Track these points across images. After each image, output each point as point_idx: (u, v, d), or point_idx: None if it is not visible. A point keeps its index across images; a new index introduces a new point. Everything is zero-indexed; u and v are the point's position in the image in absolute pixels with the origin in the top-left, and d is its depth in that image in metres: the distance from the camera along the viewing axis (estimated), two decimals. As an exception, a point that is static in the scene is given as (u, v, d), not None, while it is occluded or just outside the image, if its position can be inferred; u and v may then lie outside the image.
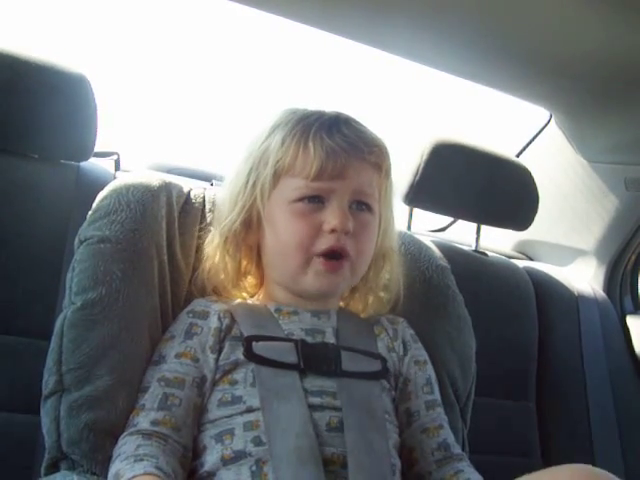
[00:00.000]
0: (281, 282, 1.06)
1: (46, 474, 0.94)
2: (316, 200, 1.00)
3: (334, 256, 0.99)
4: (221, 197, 1.10)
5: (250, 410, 0.92)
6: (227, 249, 1.06)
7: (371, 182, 1.04)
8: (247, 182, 1.03)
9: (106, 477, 0.87)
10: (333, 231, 0.98)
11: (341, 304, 1.13)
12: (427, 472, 0.99)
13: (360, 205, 1.03)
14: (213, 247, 1.07)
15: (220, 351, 0.97)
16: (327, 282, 1.01)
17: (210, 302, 1.04)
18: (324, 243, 0.99)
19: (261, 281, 1.11)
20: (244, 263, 1.09)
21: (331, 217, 0.99)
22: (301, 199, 1.00)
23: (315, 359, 0.97)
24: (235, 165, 1.07)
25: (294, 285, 1.03)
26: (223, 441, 0.90)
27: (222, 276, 1.07)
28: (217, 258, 1.06)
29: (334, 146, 0.99)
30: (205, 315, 1.01)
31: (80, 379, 0.93)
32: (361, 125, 1.05)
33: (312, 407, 0.92)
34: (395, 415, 1.03)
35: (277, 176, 1.01)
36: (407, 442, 1.02)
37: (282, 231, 1.01)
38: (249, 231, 1.05)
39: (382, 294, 1.13)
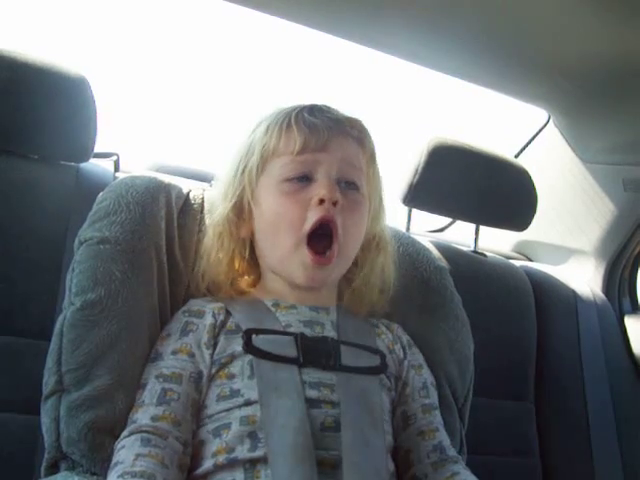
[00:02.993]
0: (273, 269, 1.06)
1: (46, 474, 0.94)
2: (304, 180, 1.01)
3: (324, 233, 0.99)
4: (214, 196, 1.11)
5: (248, 403, 0.91)
6: (221, 242, 1.06)
7: (357, 156, 1.06)
8: (236, 173, 1.05)
9: (106, 477, 0.87)
10: (322, 202, 0.99)
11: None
12: (423, 474, 0.99)
13: (348, 184, 1.04)
14: (208, 242, 1.07)
15: (215, 346, 0.97)
16: (314, 276, 1.01)
17: (205, 302, 1.04)
18: (313, 216, 0.99)
19: (257, 277, 1.10)
20: (238, 259, 1.08)
21: (319, 188, 0.99)
22: (289, 179, 1.01)
23: (314, 353, 0.97)
24: (224, 165, 1.09)
25: (283, 271, 1.03)
26: (221, 435, 0.90)
27: (217, 271, 1.07)
28: (212, 252, 1.07)
29: (317, 122, 1.02)
30: (201, 314, 1.01)
31: (79, 379, 0.94)
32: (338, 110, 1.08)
33: (309, 401, 0.92)
34: (392, 418, 1.02)
35: (264, 160, 1.03)
36: (404, 444, 1.01)
37: (271, 212, 1.02)
38: (241, 222, 1.06)
39: (378, 288, 1.12)
